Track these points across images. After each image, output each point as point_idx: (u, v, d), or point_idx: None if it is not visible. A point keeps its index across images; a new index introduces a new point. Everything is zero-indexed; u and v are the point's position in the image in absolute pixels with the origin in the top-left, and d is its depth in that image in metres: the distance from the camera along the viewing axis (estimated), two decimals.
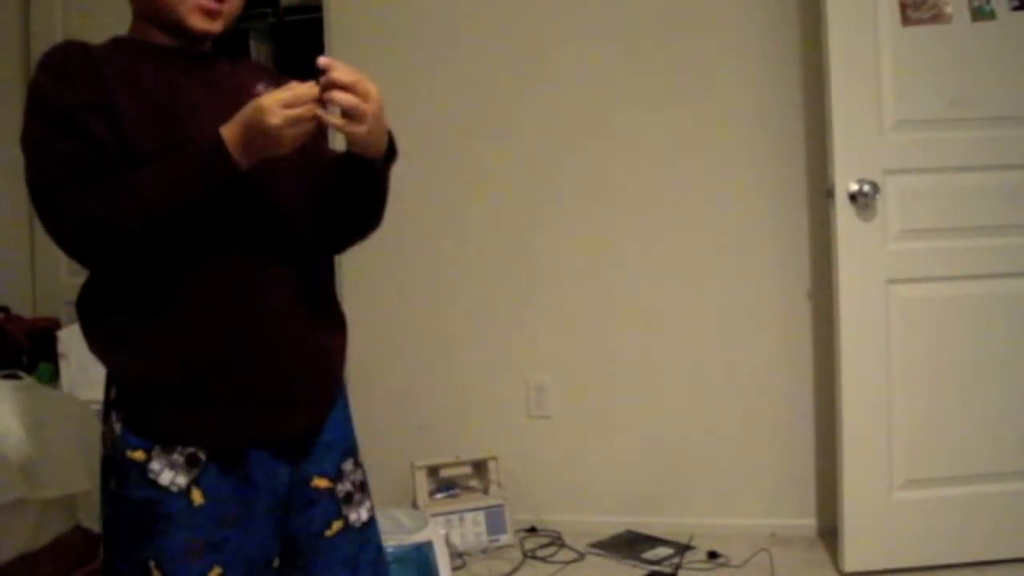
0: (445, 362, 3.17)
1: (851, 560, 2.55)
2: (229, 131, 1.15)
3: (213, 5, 1.27)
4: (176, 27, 1.27)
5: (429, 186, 3.12)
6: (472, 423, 3.13)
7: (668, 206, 3.00)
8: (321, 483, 1.35)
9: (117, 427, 1.25)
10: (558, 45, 3.05)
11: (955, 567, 2.53)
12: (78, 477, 2.07)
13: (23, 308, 3.30)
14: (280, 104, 1.12)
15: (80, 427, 2.14)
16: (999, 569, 2.51)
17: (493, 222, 3.11)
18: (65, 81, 1.19)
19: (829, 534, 2.79)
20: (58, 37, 3.43)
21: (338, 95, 1.16)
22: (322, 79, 1.16)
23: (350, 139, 1.23)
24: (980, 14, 2.51)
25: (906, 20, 2.52)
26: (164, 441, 1.23)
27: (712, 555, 2.73)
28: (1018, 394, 2.56)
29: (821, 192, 2.74)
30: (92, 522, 2.15)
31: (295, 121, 1.13)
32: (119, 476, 1.25)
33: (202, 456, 1.23)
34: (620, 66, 3.01)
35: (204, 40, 1.31)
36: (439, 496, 2.91)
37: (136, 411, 1.24)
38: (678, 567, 2.66)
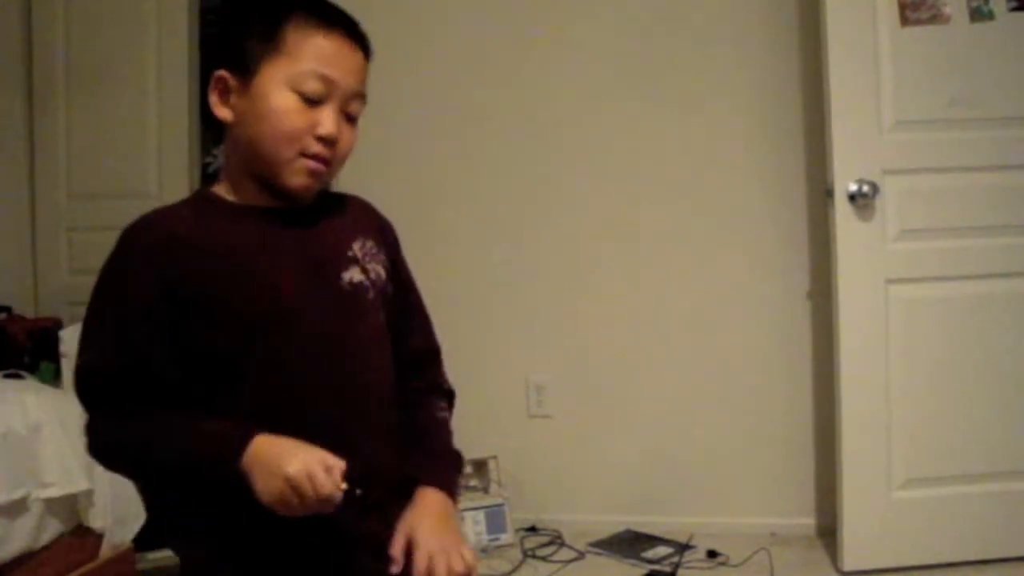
0: (445, 362, 3.16)
1: (850, 559, 2.56)
2: (261, 443, 1.09)
3: (321, 167, 1.17)
4: (276, 188, 1.19)
5: (426, 186, 3.13)
6: (472, 423, 3.11)
7: (667, 207, 3.00)
8: None
9: None
10: (557, 43, 3.05)
11: (954, 566, 2.53)
12: (79, 477, 2.08)
13: (25, 308, 3.29)
14: (306, 475, 1.05)
15: (81, 427, 2.14)
16: (998, 568, 2.51)
17: (492, 222, 3.12)
18: (140, 267, 1.15)
19: (828, 533, 2.79)
20: (60, 39, 3.46)
21: None
22: None
23: None
24: (979, 14, 2.51)
25: (905, 21, 2.52)
26: None
27: (711, 554, 2.73)
28: (1018, 394, 2.56)
29: (820, 192, 2.75)
30: (93, 521, 2.16)
31: (292, 493, 1.06)
32: None
33: None
34: (619, 66, 3.01)
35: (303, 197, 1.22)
36: None
37: None
38: (677, 566, 2.66)
